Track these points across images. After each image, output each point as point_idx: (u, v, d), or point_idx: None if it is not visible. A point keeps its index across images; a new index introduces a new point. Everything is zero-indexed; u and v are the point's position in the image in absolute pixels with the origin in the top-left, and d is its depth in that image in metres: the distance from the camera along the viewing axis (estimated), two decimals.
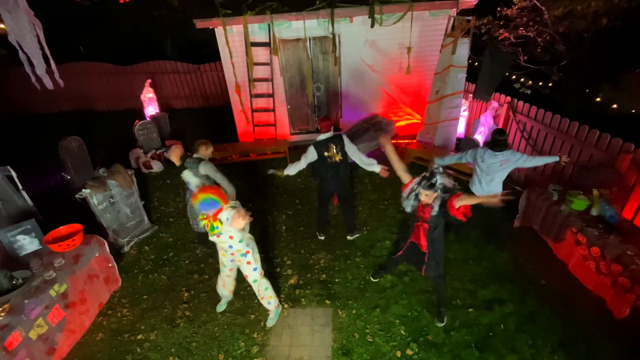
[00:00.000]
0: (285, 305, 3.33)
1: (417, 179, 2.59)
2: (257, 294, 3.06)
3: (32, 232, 3.15)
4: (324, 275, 3.68)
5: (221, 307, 3.34)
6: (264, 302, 3.10)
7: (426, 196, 2.52)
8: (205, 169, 3.37)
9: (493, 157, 3.28)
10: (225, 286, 3.17)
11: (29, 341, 2.46)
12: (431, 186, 2.47)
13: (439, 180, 2.47)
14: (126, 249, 4.22)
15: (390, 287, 3.47)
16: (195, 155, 3.46)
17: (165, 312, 3.36)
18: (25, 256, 3.08)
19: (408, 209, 2.72)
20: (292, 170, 3.75)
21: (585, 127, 4.08)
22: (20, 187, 3.79)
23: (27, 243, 3.12)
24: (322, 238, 4.28)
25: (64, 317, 2.83)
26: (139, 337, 3.10)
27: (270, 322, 3.14)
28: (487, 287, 3.40)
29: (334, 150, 3.63)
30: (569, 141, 4.30)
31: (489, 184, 3.42)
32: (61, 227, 3.28)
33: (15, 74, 8.92)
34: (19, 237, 3.08)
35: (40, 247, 3.18)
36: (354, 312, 3.22)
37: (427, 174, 2.52)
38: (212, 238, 2.67)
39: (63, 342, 2.81)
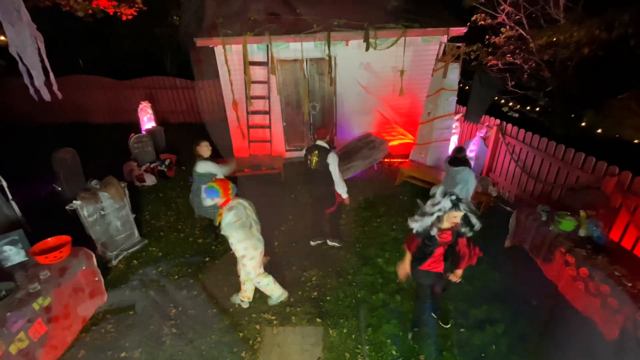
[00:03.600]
0: (275, 323, 3.27)
1: (441, 203, 2.52)
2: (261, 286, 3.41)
3: (18, 243, 3.09)
4: (315, 293, 3.64)
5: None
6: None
7: (454, 217, 2.51)
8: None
9: (454, 171, 3.92)
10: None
11: (9, 356, 2.36)
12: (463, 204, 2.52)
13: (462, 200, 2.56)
14: (114, 262, 4.14)
15: (382, 305, 3.44)
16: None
17: (151, 328, 3.26)
18: (10, 267, 3.01)
19: (421, 231, 2.61)
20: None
21: (571, 150, 4.22)
22: (10, 197, 3.74)
23: (13, 254, 3.05)
24: (313, 244, 4.42)
25: (46, 331, 2.73)
26: (123, 354, 3.00)
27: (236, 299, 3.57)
28: (479, 306, 3.39)
29: (314, 157, 3.79)
30: (556, 163, 4.44)
31: (462, 190, 3.94)
32: (49, 239, 3.22)
33: (14, 85, 8.96)
34: (5, 247, 3.01)
35: (27, 258, 3.11)
36: (345, 331, 3.17)
37: (454, 199, 2.49)
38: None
39: (44, 358, 2.70)
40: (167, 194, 5.95)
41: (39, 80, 3.19)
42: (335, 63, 6.25)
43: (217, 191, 2.89)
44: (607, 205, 3.69)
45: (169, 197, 5.82)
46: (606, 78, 6.20)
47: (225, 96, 6.43)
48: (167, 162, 6.56)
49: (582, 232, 3.50)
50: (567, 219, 3.59)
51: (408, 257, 2.79)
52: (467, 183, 3.90)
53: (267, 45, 5.95)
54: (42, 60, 3.18)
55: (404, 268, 2.80)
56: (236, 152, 6.93)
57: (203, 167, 3.96)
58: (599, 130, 5.76)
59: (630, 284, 2.86)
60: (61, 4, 6.59)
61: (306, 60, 6.25)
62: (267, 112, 6.54)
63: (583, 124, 6.00)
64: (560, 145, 4.39)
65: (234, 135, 6.77)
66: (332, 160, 3.77)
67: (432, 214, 2.52)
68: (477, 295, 3.54)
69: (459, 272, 2.82)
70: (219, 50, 6.01)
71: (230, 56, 6.03)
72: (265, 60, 6.10)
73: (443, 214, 2.50)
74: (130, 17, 7.71)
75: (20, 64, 3.01)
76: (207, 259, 4.24)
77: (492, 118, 5.63)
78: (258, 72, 6.25)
